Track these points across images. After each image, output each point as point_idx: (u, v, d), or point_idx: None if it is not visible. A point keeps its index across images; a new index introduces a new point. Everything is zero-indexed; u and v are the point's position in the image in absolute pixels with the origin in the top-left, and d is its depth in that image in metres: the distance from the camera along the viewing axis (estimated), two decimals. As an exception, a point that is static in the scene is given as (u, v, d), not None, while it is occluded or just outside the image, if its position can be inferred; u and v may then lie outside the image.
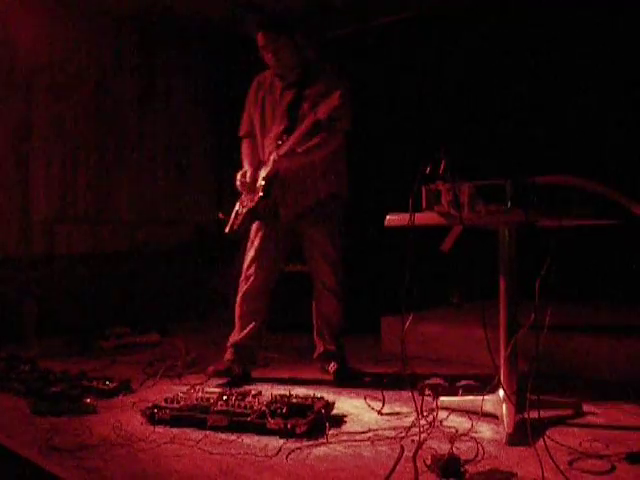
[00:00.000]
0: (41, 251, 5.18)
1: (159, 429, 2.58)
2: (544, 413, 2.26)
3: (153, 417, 2.64)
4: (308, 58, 3.50)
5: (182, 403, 2.71)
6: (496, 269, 2.63)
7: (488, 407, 2.55)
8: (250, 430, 2.51)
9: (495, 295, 2.63)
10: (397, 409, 2.82)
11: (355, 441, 2.42)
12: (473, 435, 2.43)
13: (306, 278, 3.59)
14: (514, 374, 2.55)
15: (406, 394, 2.84)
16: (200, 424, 2.57)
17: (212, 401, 2.71)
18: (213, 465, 2.20)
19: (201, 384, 3.19)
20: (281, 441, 2.41)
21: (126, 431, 2.55)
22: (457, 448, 2.25)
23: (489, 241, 2.70)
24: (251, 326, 3.45)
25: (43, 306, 4.66)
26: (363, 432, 2.52)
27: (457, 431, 2.47)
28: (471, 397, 2.74)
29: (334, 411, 2.74)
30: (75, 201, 5.42)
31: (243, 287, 3.49)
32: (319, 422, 2.52)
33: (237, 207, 3.46)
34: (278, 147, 3.33)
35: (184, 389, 2.96)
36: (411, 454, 2.21)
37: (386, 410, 2.81)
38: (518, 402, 2.46)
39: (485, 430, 2.52)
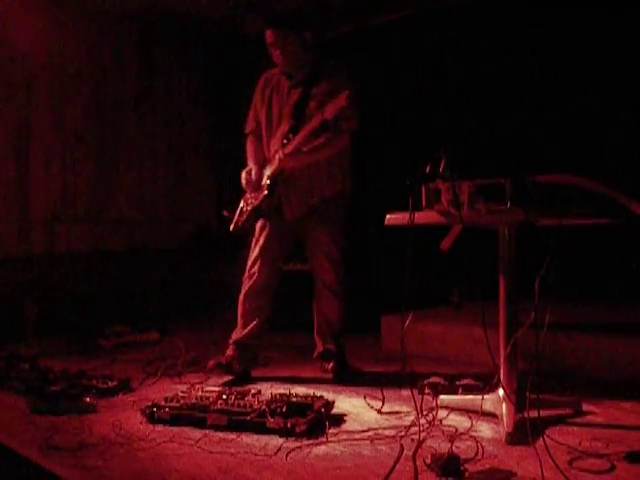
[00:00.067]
0: (41, 250, 5.19)
1: (159, 428, 2.58)
2: (544, 412, 2.25)
3: (153, 416, 2.64)
4: (316, 57, 3.48)
5: (182, 402, 2.70)
6: (496, 268, 2.62)
7: (488, 406, 2.55)
8: (250, 429, 2.51)
9: (495, 294, 2.63)
10: (397, 408, 2.82)
11: (355, 440, 2.42)
12: (473, 434, 2.43)
13: (306, 277, 3.59)
14: (514, 373, 2.55)
15: (406, 393, 2.84)
16: (200, 423, 2.57)
17: (212, 400, 2.71)
18: (213, 464, 2.20)
19: (201, 383, 3.19)
20: (281, 440, 2.41)
21: (126, 430, 2.55)
22: (457, 447, 2.25)
23: (489, 240, 2.69)
24: (253, 324, 3.45)
25: (43, 305, 4.66)
26: (363, 431, 2.52)
27: (457, 430, 2.47)
28: (471, 396, 2.73)
29: (334, 410, 2.73)
30: (75, 200, 5.42)
31: (246, 285, 3.48)
32: (319, 421, 2.52)
33: (242, 205, 3.46)
34: (284, 146, 3.33)
35: (184, 388, 2.95)
36: (411, 453, 2.21)
37: (386, 409, 2.80)
38: (518, 401, 2.46)
39: (485, 429, 2.51)
